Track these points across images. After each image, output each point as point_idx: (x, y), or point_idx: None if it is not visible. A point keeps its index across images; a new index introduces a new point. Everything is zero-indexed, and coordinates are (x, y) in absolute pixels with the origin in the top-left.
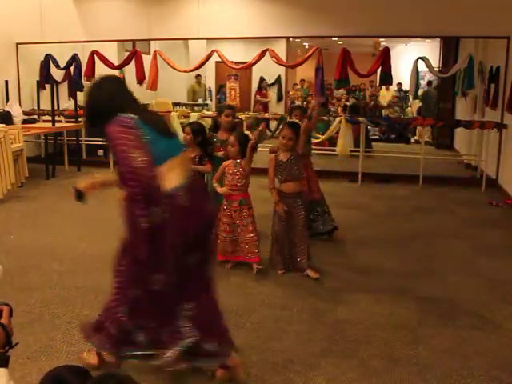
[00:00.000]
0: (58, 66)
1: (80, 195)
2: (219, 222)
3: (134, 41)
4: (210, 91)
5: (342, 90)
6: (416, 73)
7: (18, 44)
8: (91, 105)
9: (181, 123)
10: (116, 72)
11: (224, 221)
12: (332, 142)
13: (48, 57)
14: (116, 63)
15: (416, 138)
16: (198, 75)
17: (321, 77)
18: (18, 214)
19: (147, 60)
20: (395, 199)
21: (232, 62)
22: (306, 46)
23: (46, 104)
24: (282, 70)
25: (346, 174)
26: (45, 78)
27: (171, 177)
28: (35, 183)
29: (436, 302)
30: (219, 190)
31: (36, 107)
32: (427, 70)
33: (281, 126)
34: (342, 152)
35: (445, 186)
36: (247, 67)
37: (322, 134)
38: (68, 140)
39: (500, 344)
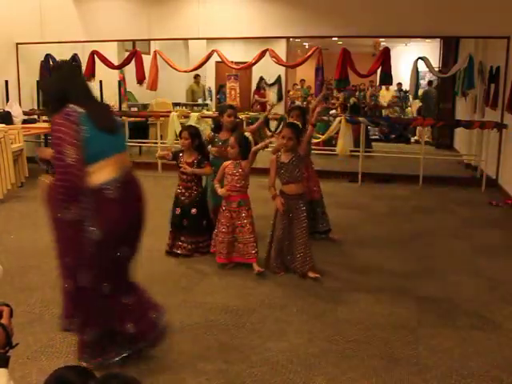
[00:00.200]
0: None
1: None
2: (218, 223)
3: (134, 41)
4: (210, 91)
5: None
6: (416, 73)
7: (18, 44)
8: (43, 90)
9: (181, 123)
10: (116, 72)
11: (223, 221)
12: (329, 142)
13: (48, 57)
14: (116, 63)
15: (416, 138)
16: (197, 75)
17: (321, 77)
18: (18, 214)
19: (147, 60)
20: (395, 199)
21: (232, 62)
22: (306, 46)
23: None
24: (282, 70)
25: (345, 173)
26: (45, 78)
27: (103, 173)
28: (35, 183)
29: (436, 301)
30: (219, 191)
31: (36, 107)
32: (427, 70)
33: (281, 126)
34: (342, 152)
35: (445, 185)
36: (247, 67)
37: (322, 134)
38: None
39: (500, 344)
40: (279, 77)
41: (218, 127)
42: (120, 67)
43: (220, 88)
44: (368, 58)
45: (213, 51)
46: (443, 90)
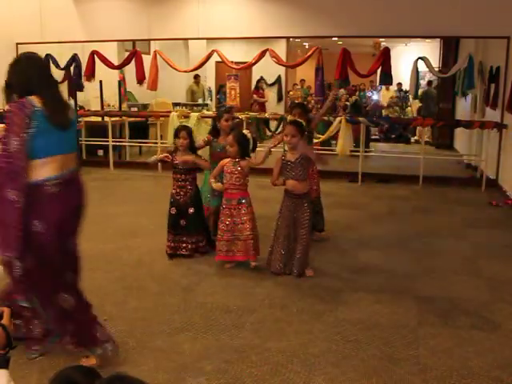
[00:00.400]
0: (57, 66)
1: None
2: (219, 222)
3: (134, 41)
4: (210, 91)
5: (342, 90)
6: (416, 73)
7: (18, 44)
8: (6, 80)
9: (181, 123)
10: (116, 72)
11: (222, 219)
12: (326, 143)
13: (48, 57)
14: (116, 63)
15: (416, 137)
16: (197, 75)
17: (321, 77)
18: None
19: (147, 60)
20: (395, 199)
21: (232, 62)
22: (306, 46)
23: None
24: (282, 70)
25: (345, 173)
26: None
27: (45, 169)
28: None
29: (436, 301)
30: (214, 185)
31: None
32: (427, 70)
33: (281, 126)
34: (342, 152)
35: (445, 186)
36: (247, 67)
37: (322, 134)
38: None
39: (500, 344)
40: (279, 77)
41: (215, 131)
42: (120, 67)
43: (220, 88)
44: (368, 57)
45: (213, 51)
46: (443, 90)
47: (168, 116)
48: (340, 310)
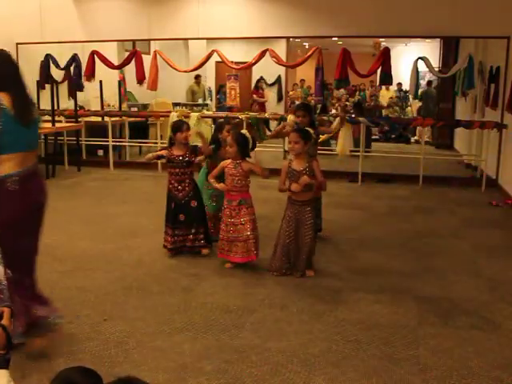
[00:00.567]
0: (57, 66)
1: None
2: (220, 222)
3: (134, 41)
4: (210, 91)
5: (342, 90)
6: (416, 73)
7: (18, 44)
8: None
9: None
10: (116, 72)
11: (224, 219)
12: (326, 143)
13: (48, 57)
14: (116, 63)
15: (416, 138)
16: (198, 75)
17: (321, 77)
18: None
19: (147, 60)
20: (395, 199)
21: (232, 62)
22: (306, 46)
23: (45, 104)
24: (282, 70)
25: (345, 173)
26: (45, 78)
27: (6, 165)
28: None
29: (436, 301)
30: (217, 186)
31: (36, 107)
32: (427, 69)
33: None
34: (342, 152)
35: (445, 185)
36: (247, 67)
37: (323, 134)
38: (68, 140)
39: (500, 344)
40: (279, 77)
41: (216, 143)
42: (120, 67)
43: (220, 88)
44: (368, 57)
45: (213, 51)
46: (443, 90)
47: (168, 116)
48: (340, 310)
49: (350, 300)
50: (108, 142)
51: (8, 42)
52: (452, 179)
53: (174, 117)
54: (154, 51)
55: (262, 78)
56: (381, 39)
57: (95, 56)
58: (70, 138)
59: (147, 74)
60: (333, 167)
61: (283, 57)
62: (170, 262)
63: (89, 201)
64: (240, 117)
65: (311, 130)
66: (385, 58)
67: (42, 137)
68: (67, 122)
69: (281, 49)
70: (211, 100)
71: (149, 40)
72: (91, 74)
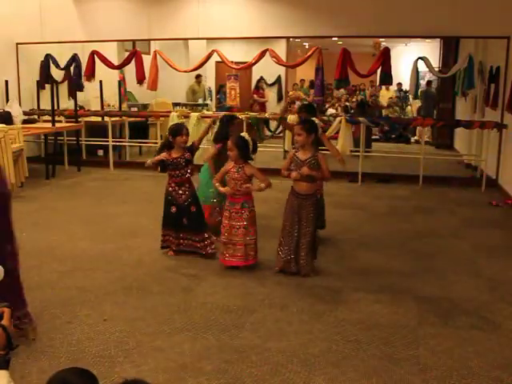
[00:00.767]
0: (57, 66)
1: None
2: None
3: (134, 41)
4: (210, 91)
5: (342, 90)
6: (416, 73)
7: (18, 44)
8: None
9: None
10: (116, 72)
11: (225, 222)
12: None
13: (48, 57)
14: (116, 63)
15: (416, 138)
16: (199, 75)
17: (321, 77)
18: (18, 214)
19: (147, 60)
20: (395, 199)
21: (232, 61)
22: (306, 46)
23: (46, 104)
24: (282, 70)
25: (346, 173)
26: (45, 78)
27: None
28: (35, 183)
29: (436, 301)
30: (221, 189)
31: (36, 107)
32: (427, 69)
33: (280, 127)
34: (342, 152)
35: (445, 186)
36: (247, 67)
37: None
38: (68, 140)
39: (500, 344)
40: (279, 77)
41: (225, 139)
42: (120, 67)
43: (220, 88)
44: (368, 58)
45: (213, 51)
46: (443, 90)
47: (168, 116)
48: (340, 310)
49: (350, 300)
50: (108, 142)
51: (8, 42)
52: (452, 179)
53: (173, 117)
54: (154, 51)
55: (262, 78)
56: (381, 39)
57: (95, 56)
58: (70, 138)
59: (147, 74)
60: (333, 167)
61: (283, 57)
62: (170, 262)
63: (89, 201)
64: (240, 117)
65: (316, 120)
66: (385, 58)
67: (42, 137)
68: (67, 121)
69: (281, 49)
70: (211, 100)
71: (149, 40)
72: (91, 74)
